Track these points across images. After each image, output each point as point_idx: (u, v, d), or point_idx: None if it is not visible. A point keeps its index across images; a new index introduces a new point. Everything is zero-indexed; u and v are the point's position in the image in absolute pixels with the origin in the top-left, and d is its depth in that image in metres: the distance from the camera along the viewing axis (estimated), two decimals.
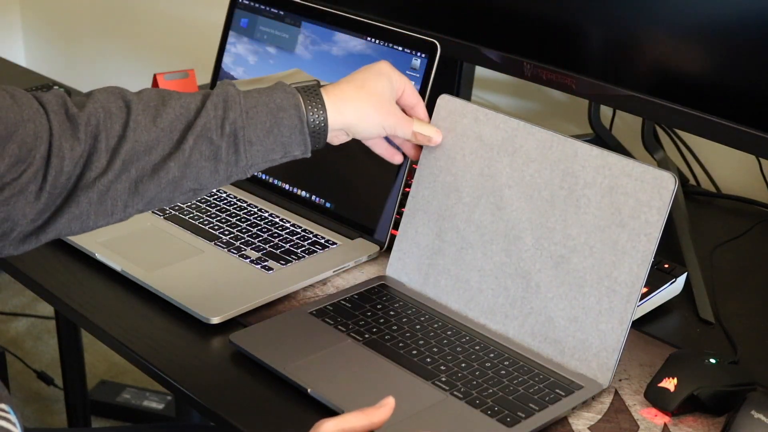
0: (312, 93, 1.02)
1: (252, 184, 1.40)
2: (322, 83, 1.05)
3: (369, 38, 1.29)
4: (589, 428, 0.97)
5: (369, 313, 1.12)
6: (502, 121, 1.10)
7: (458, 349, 1.06)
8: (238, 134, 0.97)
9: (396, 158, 1.16)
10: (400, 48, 1.25)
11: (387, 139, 1.14)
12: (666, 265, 1.18)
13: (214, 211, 1.34)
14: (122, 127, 0.95)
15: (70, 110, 0.95)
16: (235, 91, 0.99)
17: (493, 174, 1.09)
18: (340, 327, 1.09)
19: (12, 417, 0.82)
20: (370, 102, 1.06)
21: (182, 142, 0.96)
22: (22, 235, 0.93)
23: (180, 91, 1.00)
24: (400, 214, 1.21)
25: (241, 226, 1.30)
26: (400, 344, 1.07)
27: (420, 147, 1.15)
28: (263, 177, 1.39)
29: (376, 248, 1.25)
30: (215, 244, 1.26)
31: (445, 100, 1.14)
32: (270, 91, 1.01)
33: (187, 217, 1.32)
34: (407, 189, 1.20)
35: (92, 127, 0.94)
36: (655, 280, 1.16)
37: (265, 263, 1.22)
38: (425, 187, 1.15)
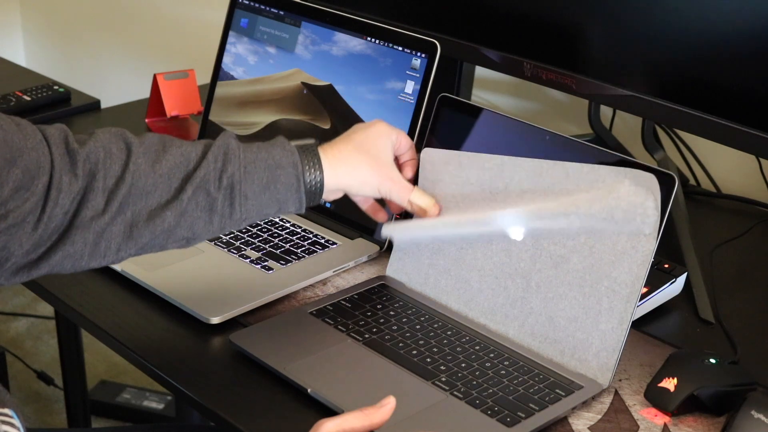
0: (310, 152, 1.01)
1: None
2: (320, 143, 1.05)
3: (369, 38, 1.29)
4: (589, 428, 0.97)
5: (369, 313, 1.12)
6: (487, 160, 1.09)
7: (458, 349, 1.06)
8: (235, 188, 0.97)
9: (380, 216, 1.15)
10: (400, 48, 1.25)
11: None
12: (666, 265, 1.18)
13: None
14: (121, 168, 0.95)
15: (70, 145, 0.95)
16: (236, 144, 0.99)
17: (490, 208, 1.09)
18: (340, 327, 1.09)
19: (16, 422, 0.82)
20: (368, 165, 1.05)
21: (181, 191, 0.96)
22: (15, 266, 0.93)
23: (181, 139, 1.00)
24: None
25: None
26: (400, 344, 1.07)
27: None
28: None
29: (376, 248, 1.25)
30: (215, 243, 1.26)
31: (427, 154, 1.13)
32: (269, 146, 1.00)
33: None
34: None
35: (91, 165, 0.94)
36: (655, 280, 1.16)
37: (265, 263, 1.22)
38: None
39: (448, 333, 1.08)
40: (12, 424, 0.81)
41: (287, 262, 1.22)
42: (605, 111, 1.56)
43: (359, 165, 1.05)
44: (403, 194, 1.08)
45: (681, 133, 1.52)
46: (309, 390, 0.99)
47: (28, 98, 1.72)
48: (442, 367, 1.03)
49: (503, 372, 1.02)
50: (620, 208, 1.00)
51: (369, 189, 1.07)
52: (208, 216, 0.97)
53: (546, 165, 1.05)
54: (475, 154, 1.10)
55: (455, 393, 0.99)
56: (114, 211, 0.94)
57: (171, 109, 1.66)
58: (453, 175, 1.11)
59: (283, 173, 0.99)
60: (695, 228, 1.30)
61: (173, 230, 0.97)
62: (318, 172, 1.01)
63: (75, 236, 0.94)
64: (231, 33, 1.45)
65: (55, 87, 1.78)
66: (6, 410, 0.82)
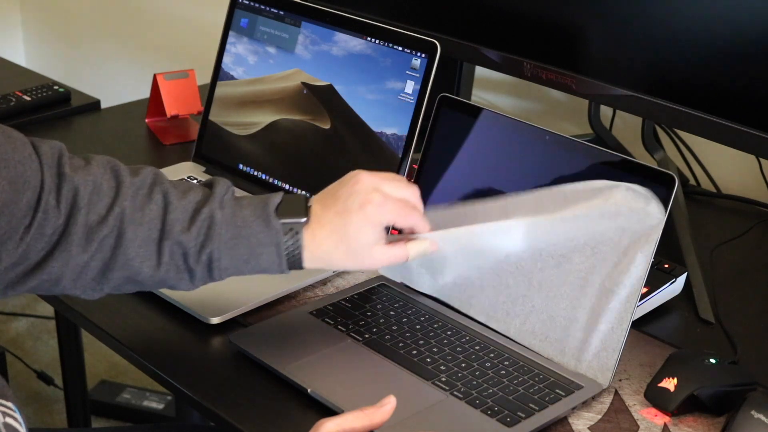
0: (293, 234, 0.97)
1: (252, 184, 1.40)
2: (307, 220, 0.98)
3: (369, 38, 1.29)
4: (589, 428, 0.97)
5: (369, 313, 1.12)
6: (463, 234, 1.04)
7: (458, 349, 1.06)
8: (214, 263, 0.96)
9: None
10: (400, 48, 1.25)
11: None
12: (666, 265, 1.18)
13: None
14: (107, 208, 0.95)
15: (62, 167, 0.94)
16: (221, 218, 0.95)
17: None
18: (340, 327, 1.09)
19: (17, 415, 0.82)
20: (344, 256, 0.98)
21: (160, 254, 0.95)
22: None
23: (174, 183, 0.99)
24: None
25: None
26: (400, 344, 1.07)
27: None
28: (263, 177, 1.39)
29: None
30: None
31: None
32: (255, 219, 0.96)
33: None
34: None
35: (76, 196, 0.94)
36: (655, 280, 1.16)
37: None
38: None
39: (448, 333, 1.08)
40: (14, 417, 0.81)
41: None
42: (605, 111, 1.56)
43: (336, 256, 0.98)
44: (389, 263, 1.02)
45: (681, 133, 1.52)
46: (309, 390, 0.99)
47: (28, 98, 1.72)
48: (442, 367, 1.03)
49: (503, 372, 1.02)
50: (621, 212, 1.00)
51: (348, 269, 1.10)
52: (186, 277, 0.97)
53: (544, 192, 1.04)
54: (450, 232, 1.04)
55: (455, 393, 0.99)
56: (93, 249, 0.94)
57: (171, 109, 1.66)
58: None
59: (265, 251, 0.97)
60: (695, 228, 1.30)
61: (147, 283, 0.97)
62: (298, 252, 0.97)
63: (52, 266, 0.93)
64: (231, 33, 1.45)
65: (55, 87, 1.78)
66: (8, 403, 0.82)
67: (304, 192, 1.34)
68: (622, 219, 1.00)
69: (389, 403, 0.87)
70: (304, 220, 0.97)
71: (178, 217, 0.96)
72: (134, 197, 0.96)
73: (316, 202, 0.99)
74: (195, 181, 1.40)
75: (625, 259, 1.00)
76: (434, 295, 1.14)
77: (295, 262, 0.98)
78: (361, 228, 0.97)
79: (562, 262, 1.04)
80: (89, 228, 0.94)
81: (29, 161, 0.92)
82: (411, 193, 1.01)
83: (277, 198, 0.98)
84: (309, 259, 0.98)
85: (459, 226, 1.04)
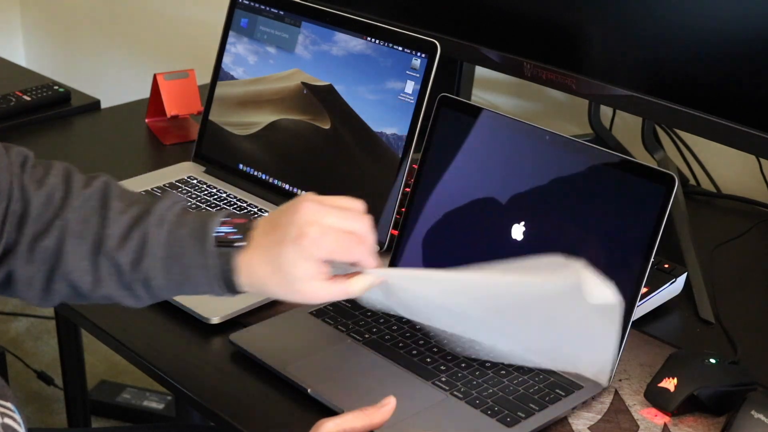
0: (227, 257, 0.92)
1: (252, 184, 1.40)
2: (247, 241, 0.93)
3: (369, 38, 1.29)
4: (589, 428, 0.97)
5: (369, 313, 1.11)
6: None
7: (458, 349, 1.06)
8: (151, 283, 0.93)
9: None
10: (400, 48, 1.25)
11: None
12: (666, 265, 1.18)
13: (213, 210, 1.34)
14: (50, 219, 0.93)
15: (24, 181, 0.94)
16: (156, 235, 0.92)
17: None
18: (340, 327, 1.09)
19: (16, 416, 0.82)
20: (282, 285, 0.91)
21: (97, 269, 0.93)
22: None
23: (124, 195, 0.96)
24: (400, 214, 1.21)
25: None
26: (400, 344, 1.06)
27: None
28: (263, 177, 1.39)
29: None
30: None
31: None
32: (188, 242, 0.92)
33: None
34: (407, 189, 1.20)
35: (26, 209, 0.93)
36: (655, 280, 1.15)
37: None
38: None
39: (448, 333, 1.08)
40: (13, 418, 0.81)
41: None
42: (605, 111, 1.56)
43: (270, 285, 0.92)
44: (322, 300, 0.96)
45: (681, 133, 1.52)
46: (309, 390, 0.99)
47: (28, 98, 1.72)
48: (442, 367, 1.03)
49: (503, 372, 1.02)
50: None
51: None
52: (127, 294, 0.95)
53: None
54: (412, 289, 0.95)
55: (455, 393, 0.99)
56: (37, 261, 0.93)
57: (171, 109, 1.66)
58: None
59: (198, 273, 0.93)
60: (695, 228, 1.30)
61: (92, 297, 0.95)
62: (230, 276, 0.92)
63: (12, 271, 0.94)
64: (231, 33, 1.45)
65: (55, 87, 1.78)
66: (7, 403, 0.82)
67: (304, 192, 1.34)
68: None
69: (389, 404, 0.87)
70: (242, 244, 0.91)
71: (114, 233, 0.93)
72: (80, 209, 0.94)
73: (259, 226, 0.93)
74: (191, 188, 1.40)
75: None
76: (419, 321, 1.04)
77: (230, 286, 0.92)
78: (295, 261, 0.89)
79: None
80: (33, 239, 0.93)
81: (5, 172, 0.92)
82: (359, 224, 0.91)
83: (218, 218, 0.93)
84: (246, 285, 0.92)
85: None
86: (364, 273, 0.92)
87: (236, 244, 0.92)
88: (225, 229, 0.92)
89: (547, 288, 0.91)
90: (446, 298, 0.94)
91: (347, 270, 0.92)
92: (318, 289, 0.90)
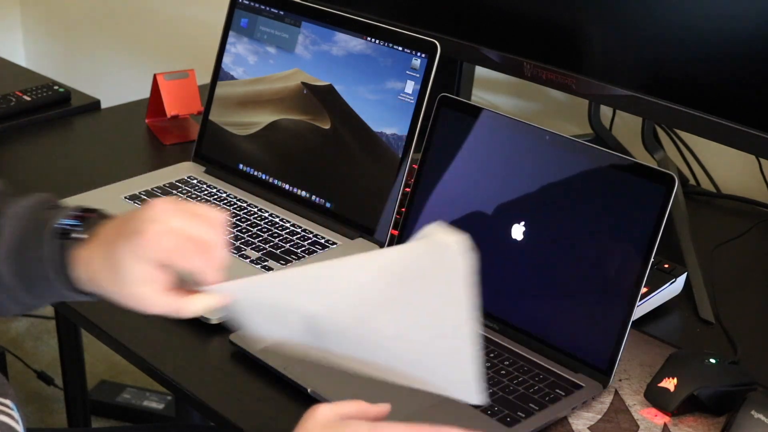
0: (62, 249, 0.88)
1: (252, 184, 1.40)
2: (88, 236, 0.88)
3: (369, 38, 1.29)
4: (589, 428, 0.97)
5: None
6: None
7: None
8: (3, 281, 0.90)
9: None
10: (400, 48, 1.25)
11: None
12: (666, 265, 1.18)
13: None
14: None
15: None
16: (3, 232, 0.90)
17: None
18: None
19: (15, 414, 0.82)
20: (113, 282, 0.85)
21: None
22: None
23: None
24: (400, 213, 1.21)
25: (241, 225, 1.30)
26: None
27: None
28: (263, 177, 1.39)
29: (376, 248, 1.25)
30: None
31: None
32: (31, 235, 0.89)
33: None
34: (407, 189, 1.20)
35: None
36: (655, 280, 1.15)
37: (265, 263, 1.21)
38: None
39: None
40: (11, 416, 0.81)
41: (287, 261, 1.22)
42: (605, 111, 1.56)
43: (103, 279, 0.86)
44: (153, 310, 0.86)
45: (681, 133, 1.52)
46: (309, 390, 0.99)
47: (28, 98, 1.72)
48: None
49: (503, 372, 1.02)
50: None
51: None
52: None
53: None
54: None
55: None
56: None
57: (171, 109, 1.66)
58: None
59: (38, 266, 0.89)
60: (695, 228, 1.30)
61: None
62: (65, 269, 0.88)
63: None
64: (231, 33, 1.45)
65: (55, 87, 1.78)
66: (6, 401, 0.82)
67: (304, 192, 1.34)
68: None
69: (384, 408, 0.87)
70: (80, 236, 0.87)
71: None
72: None
73: (110, 221, 0.87)
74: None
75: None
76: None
77: (71, 283, 0.88)
78: (125, 258, 0.82)
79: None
80: None
81: None
82: (208, 233, 0.83)
83: (67, 211, 0.89)
84: (85, 281, 0.87)
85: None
86: (207, 293, 0.83)
87: (73, 235, 0.87)
88: (68, 221, 0.88)
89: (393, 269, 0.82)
90: (310, 301, 0.84)
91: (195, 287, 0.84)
92: (149, 296, 0.83)
